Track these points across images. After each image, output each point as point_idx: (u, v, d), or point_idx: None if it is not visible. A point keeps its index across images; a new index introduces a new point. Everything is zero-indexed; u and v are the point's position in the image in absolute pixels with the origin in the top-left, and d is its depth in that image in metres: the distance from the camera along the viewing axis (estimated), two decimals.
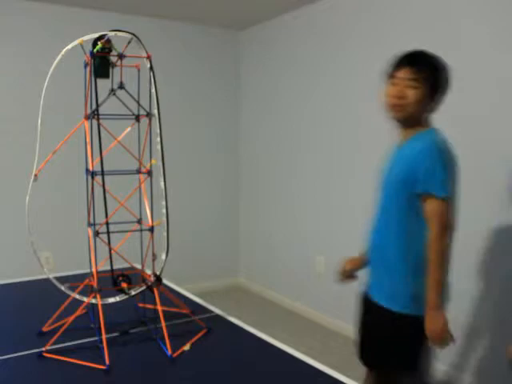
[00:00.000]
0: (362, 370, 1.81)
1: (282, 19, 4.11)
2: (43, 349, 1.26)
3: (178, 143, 4.34)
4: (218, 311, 1.61)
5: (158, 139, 1.30)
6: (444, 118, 2.90)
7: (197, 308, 1.63)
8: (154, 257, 1.42)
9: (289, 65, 4.05)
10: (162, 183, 1.32)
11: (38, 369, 1.20)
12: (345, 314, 3.48)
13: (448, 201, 1.64)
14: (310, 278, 3.87)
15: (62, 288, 1.38)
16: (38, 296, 1.80)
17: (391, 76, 1.73)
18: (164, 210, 1.31)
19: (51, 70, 1.29)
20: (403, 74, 1.69)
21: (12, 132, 3.69)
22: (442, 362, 2.84)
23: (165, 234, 1.33)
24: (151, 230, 1.36)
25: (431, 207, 1.64)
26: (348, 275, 1.96)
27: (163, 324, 1.29)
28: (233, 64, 4.64)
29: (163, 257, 1.34)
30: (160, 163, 1.29)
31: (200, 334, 1.40)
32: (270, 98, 4.32)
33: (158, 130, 1.29)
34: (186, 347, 1.31)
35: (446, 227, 1.64)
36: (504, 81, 2.55)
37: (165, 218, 1.31)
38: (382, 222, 1.78)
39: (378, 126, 2.94)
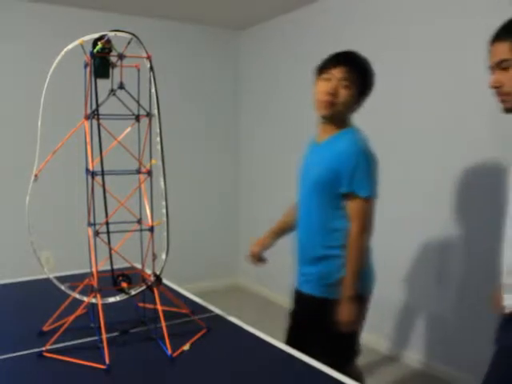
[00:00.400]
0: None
1: (281, 19, 4.12)
2: (43, 348, 1.27)
3: (178, 143, 4.34)
4: (217, 311, 1.62)
5: (158, 139, 1.30)
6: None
7: (196, 308, 1.64)
8: (154, 257, 1.42)
9: (288, 65, 4.05)
10: (162, 183, 1.33)
11: (38, 368, 1.20)
12: None
13: (371, 200, 1.70)
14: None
15: (62, 288, 1.38)
16: (38, 296, 1.80)
17: (323, 72, 1.75)
18: (164, 210, 1.31)
19: (51, 70, 1.29)
20: (338, 72, 1.71)
21: (12, 132, 3.69)
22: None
23: (165, 233, 1.33)
24: (151, 229, 1.37)
25: (354, 206, 1.70)
26: (258, 258, 2.05)
27: (163, 324, 1.30)
28: (233, 64, 4.64)
29: (163, 257, 1.34)
30: (160, 163, 1.30)
31: (200, 334, 1.40)
32: (269, 98, 4.32)
33: (158, 130, 1.30)
34: (186, 347, 1.31)
35: (367, 226, 1.72)
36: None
37: (165, 218, 1.32)
38: (305, 220, 1.83)
39: (381, 126, 2.94)
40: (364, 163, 1.68)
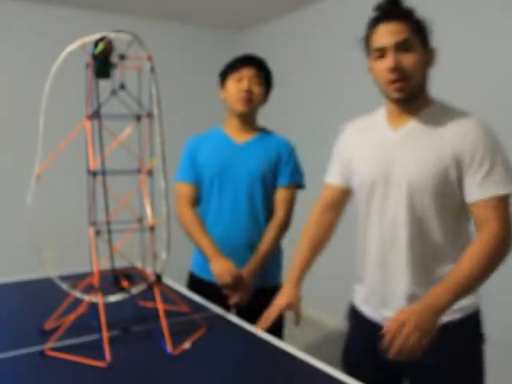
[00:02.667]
0: None
1: (281, 20, 4.13)
2: (45, 347, 1.28)
3: (178, 144, 4.34)
4: (218, 310, 1.63)
5: (159, 139, 1.31)
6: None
7: (197, 307, 1.65)
8: (155, 256, 1.43)
9: (288, 66, 4.07)
10: (163, 183, 1.34)
11: (39, 366, 1.21)
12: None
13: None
14: (312, 277, 3.87)
15: (64, 286, 1.39)
16: (40, 294, 1.81)
17: (232, 74, 1.86)
18: (164, 210, 1.32)
19: (53, 71, 1.30)
20: (249, 71, 1.83)
21: (12, 132, 3.71)
22: None
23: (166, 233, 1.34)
24: (152, 229, 1.38)
25: (293, 195, 1.91)
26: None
27: (163, 322, 1.31)
28: None
29: (164, 256, 1.35)
30: (161, 163, 1.31)
31: (200, 333, 1.41)
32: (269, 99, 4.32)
33: (159, 130, 1.31)
34: (186, 345, 1.32)
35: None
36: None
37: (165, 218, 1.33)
38: (250, 218, 1.86)
39: None
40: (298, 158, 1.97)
